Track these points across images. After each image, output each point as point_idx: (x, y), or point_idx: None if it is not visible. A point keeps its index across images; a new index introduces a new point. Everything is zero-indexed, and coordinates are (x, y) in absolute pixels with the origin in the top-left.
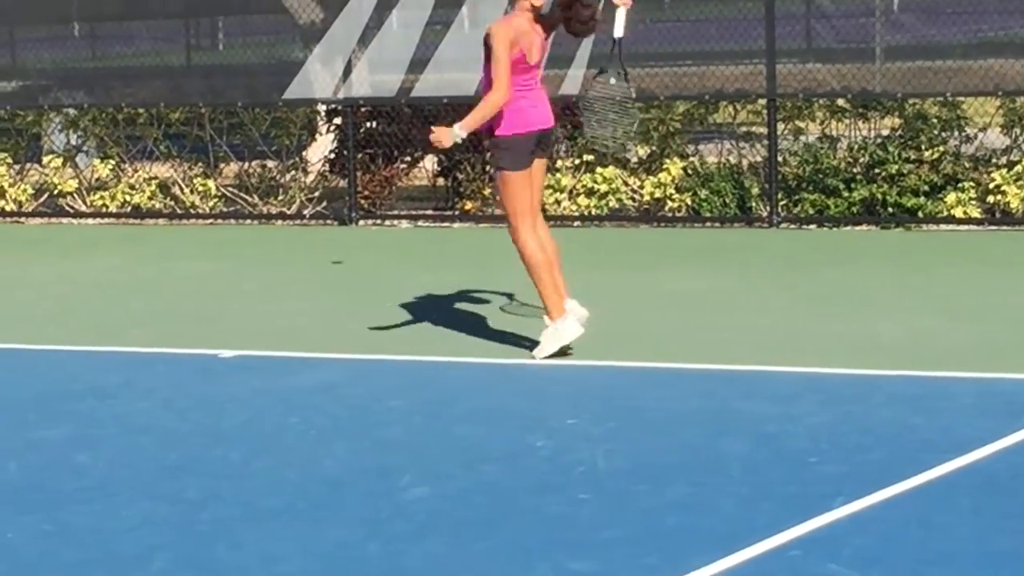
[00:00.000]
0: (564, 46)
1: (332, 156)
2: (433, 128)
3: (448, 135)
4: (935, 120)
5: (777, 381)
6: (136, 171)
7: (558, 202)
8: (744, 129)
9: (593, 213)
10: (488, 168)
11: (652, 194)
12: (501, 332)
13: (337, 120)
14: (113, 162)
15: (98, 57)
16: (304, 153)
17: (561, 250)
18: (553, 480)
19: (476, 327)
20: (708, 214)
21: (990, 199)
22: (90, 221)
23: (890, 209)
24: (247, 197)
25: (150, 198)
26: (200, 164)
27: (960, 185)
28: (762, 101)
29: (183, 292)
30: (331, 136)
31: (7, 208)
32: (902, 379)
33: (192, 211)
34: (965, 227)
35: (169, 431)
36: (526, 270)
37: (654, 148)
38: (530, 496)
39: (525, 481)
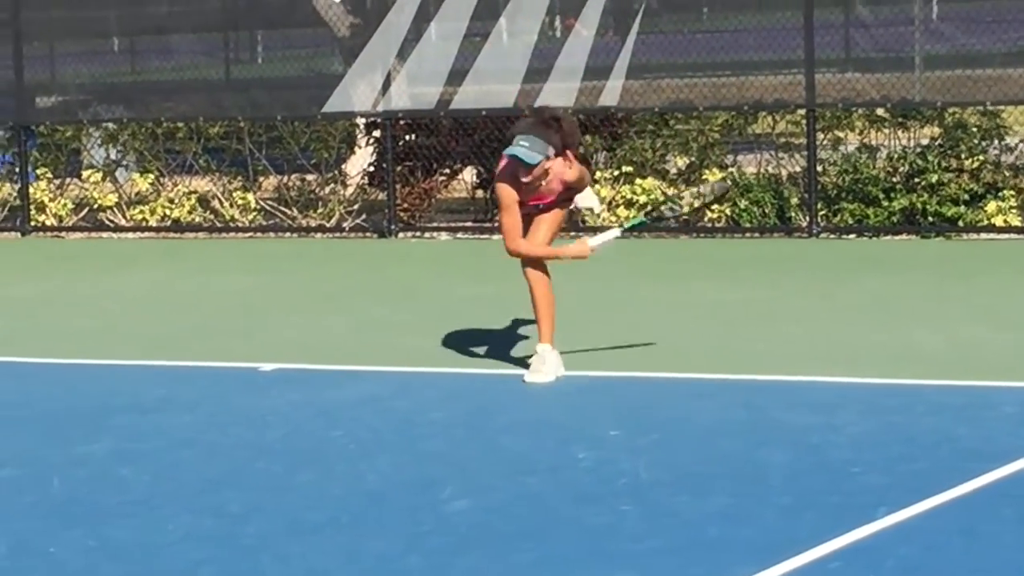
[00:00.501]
0: (603, 57)
1: (371, 169)
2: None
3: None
4: (975, 129)
5: (818, 391)
6: (175, 185)
7: (597, 213)
8: (783, 139)
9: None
10: None
11: (691, 204)
12: (536, 344)
13: (376, 133)
14: (152, 176)
15: (137, 71)
16: (343, 166)
17: (600, 261)
18: (595, 491)
19: (516, 339)
20: (748, 224)
21: None
22: (130, 235)
23: (930, 218)
24: (286, 210)
25: (190, 212)
26: (239, 178)
27: (1000, 194)
28: (801, 111)
29: (223, 306)
30: (370, 149)
31: (48, 223)
32: (944, 388)
33: (231, 224)
34: (1006, 236)
35: (211, 445)
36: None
37: (693, 159)
38: (572, 507)
39: (567, 492)
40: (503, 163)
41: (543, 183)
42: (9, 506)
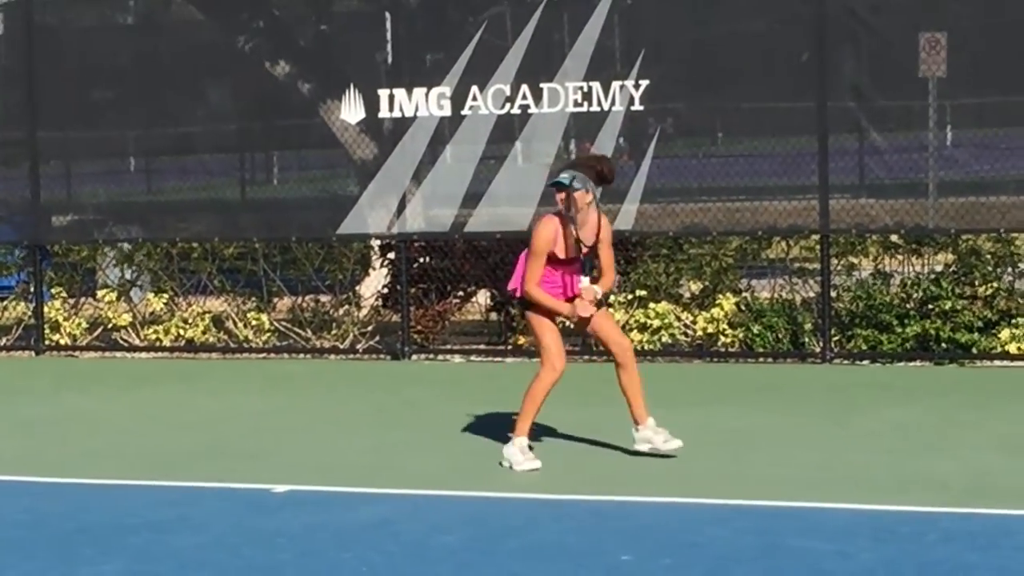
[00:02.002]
0: (617, 181)
1: (385, 290)
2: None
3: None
4: (988, 256)
5: (832, 518)
6: (190, 305)
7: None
8: (797, 264)
9: (646, 348)
10: None
11: (705, 329)
12: (554, 466)
13: (391, 255)
14: (167, 296)
15: (153, 191)
16: (357, 287)
17: (614, 385)
18: None
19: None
20: (761, 349)
21: None
22: (144, 355)
23: (944, 345)
24: (300, 331)
25: (204, 332)
26: (254, 298)
27: (1014, 321)
28: (815, 236)
29: (236, 426)
30: (384, 270)
31: (62, 342)
32: (958, 516)
33: (245, 345)
34: (1019, 363)
35: (223, 566)
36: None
37: (707, 283)
38: None
39: None
40: (543, 218)
41: (580, 214)
42: None
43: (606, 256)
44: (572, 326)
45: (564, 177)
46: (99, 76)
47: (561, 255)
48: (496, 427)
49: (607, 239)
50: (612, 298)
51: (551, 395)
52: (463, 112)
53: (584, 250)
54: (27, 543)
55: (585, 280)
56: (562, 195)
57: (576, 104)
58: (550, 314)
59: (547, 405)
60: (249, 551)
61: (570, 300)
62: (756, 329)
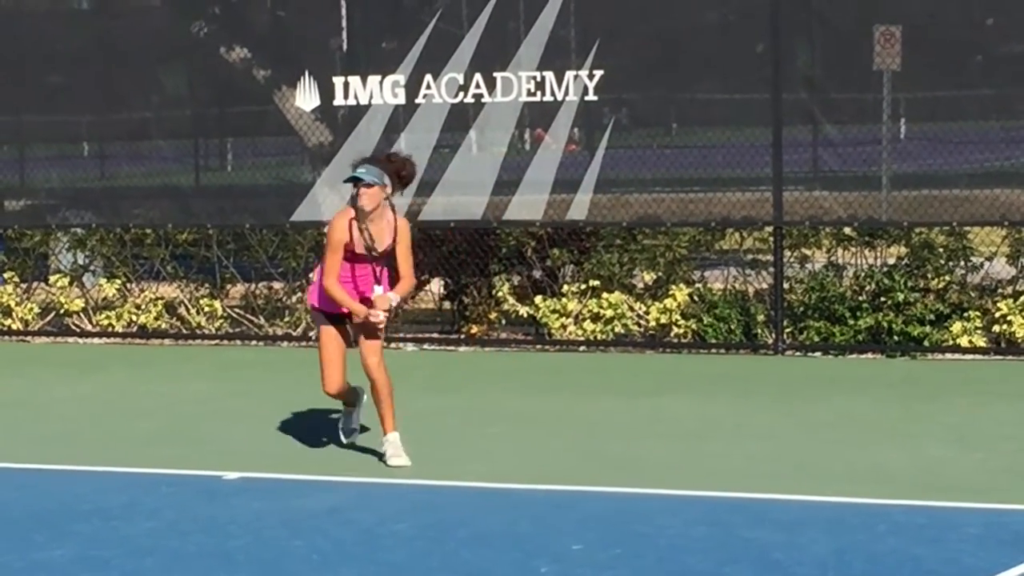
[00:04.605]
0: (571, 171)
1: None
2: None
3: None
4: (941, 249)
5: (783, 509)
6: (143, 291)
7: (564, 327)
8: (750, 256)
9: (599, 338)
10: (494, 292)
11: (658, 320)
12: (506, 456)
13: None
14: (120, 282)
15: (107, 177)
16: (311, 275)
17: (567, 375)
18: None
19: (480, 451)
20: (713, 340)
21: (996, 329)
22: (96, 340)
23: (896, 337)
24: (253, 318)
25: (156, 318)
26: (207, 285)
27: (966, 314)
28: (769, 228)
29: (188, 413)
30: None
31: (13, 327)
32: (908, 508)
33: (198, 332)
34: (970, 356)
35: (174, 553)
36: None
37: (660, 274)
38: None
39: None
40: (337, 212)
41: (375, 212)
42: None
43: (404, 260)
44: (351, 331)
45: (360, 172)
46: (53, 60)
47: (359, 250)
48: (449, 416)
49: (405, 242)
50: (565, 288)
51: (506, 383)
52: (417, 100)
53: (376, 253)
54: None
55: (379, 289)
56: (356, 189)
57: (530, 93)
58: (340, 324)
59: (498, 393)
60: (200, 538)
61: (363, 301)
62: (709, 320)
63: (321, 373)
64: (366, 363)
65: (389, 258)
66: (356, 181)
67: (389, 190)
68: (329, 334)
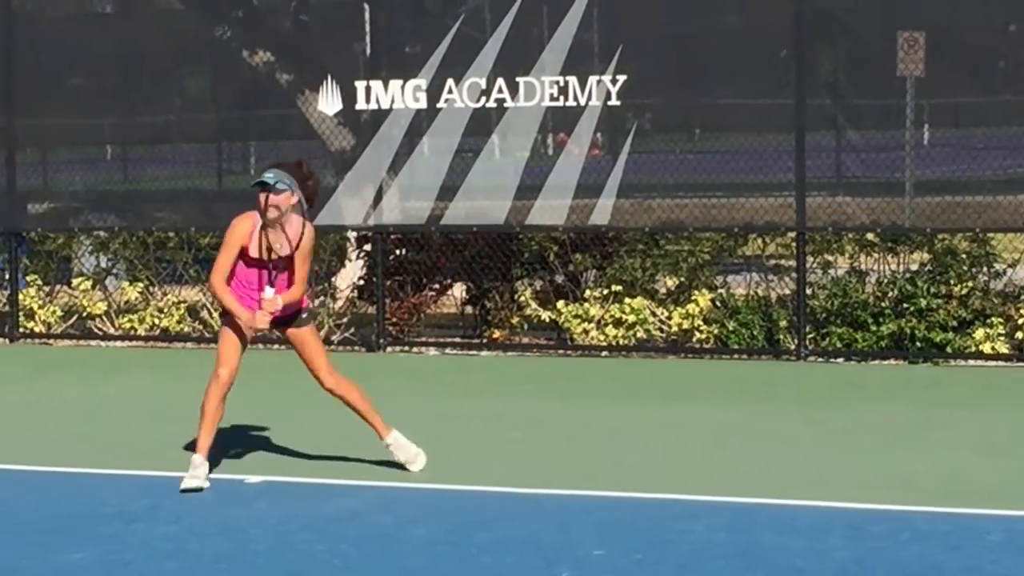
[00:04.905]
0: (594, 175)
1: (361, 282)
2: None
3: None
4: (964, 255)
5: (805, 515)
6: (165, 294)
7: (586, 332)
8: (773, 261)
9: (621, 343)
10: (516, 296)
11: (680, 325)
12: (527, 461)
13: (367, 247)
14: (142, 285)
15: (130, 180)
16: (333, 279)
17: (589, 380)
18: None
19: (501, 455)
20: (736, 346)
21: (1018, 335)
22: (118, 344)
23: (918, 344)
24: None
25: (178, 322)
26: None
27: (989, 321)
28: (791, 234)
29: None
30: (360, 262)
31: (36, 329)
32: (930, 515)
33: None
34: (993, 363)
35: (195, 556)
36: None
37: (683, 279)
38: None
39: None
40: (243, 214)
41: (282, 219)
42: None
43: (300, 268)
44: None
45: (269, 176)
46: (77, 64)
47: (253, 254)
48: (470, 420)
49: (305, 250)
50: (588, 292)
51: (528, 387)
52: (439, 105)
53: (275, 257)
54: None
55: (269, 291)
56: (264, 196)
57: (552, 98)
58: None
59: (520, 398)
60: (222, 542)
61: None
62: (731, 326)
63: (215, 360)
64: (324, 385)
65: (288, 264)
66: (264, 186)
67: (295, 199)
68: (232, 329)
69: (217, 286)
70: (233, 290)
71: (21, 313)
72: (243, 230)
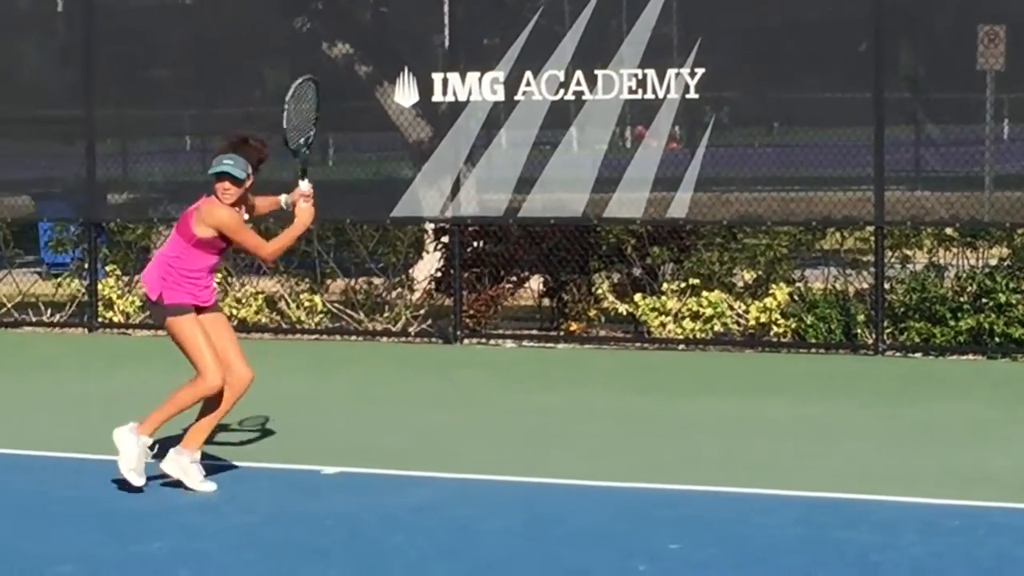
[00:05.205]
0: (672, 169)
1: (438, 274)
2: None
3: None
4: None
5: (880, 510)
6: (243, 285)
7: (663, 325)
8: (851, 256)
9: (698, 337)
10: (593, 289)
11: (758, 319)
12: (604, 454)
13: (444, 239)
14: (220, 276)
15: (208, 171)
16: (411, 271)
17: (666, 373)
18: None
19: (579, 448)
20: (813, 340)
21: None
22: None
23: (997, 339)
24: (353, 313)
25: (256, 312)
26: (307, 280)
27: None
28: (870, 228)
29: (287, 407)
30: (438, 254)
31: (115, 319)
32: (1009, 511)
33: (298, 326)
34: None
35: (272, 546)
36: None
37: (760, 273)
38: None
39: None
40: (200, 200)
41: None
42: None
43: (246, 237)
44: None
45: (230, 168)
46: (157, 55)
47: (220, 243)
48: (547, 413)
49: (230, 227)
50: (665, 286)
51: (605, 380)
52: (517, 97)
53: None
54: (77, 520)
55: (304, 184)
56: (226, 185)
57: (631, 91)
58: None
59: (597, 391)
60: (298, 532)
61: (199, 309)
62: (809, 320)
63: (204, 366)
64: (243, 373)
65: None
66: (237, 181)
67: (250, 182)
68: (191, 324)
69: (271, 245)
70: (179, 282)
71: (100, 303)
72: (235, 214)
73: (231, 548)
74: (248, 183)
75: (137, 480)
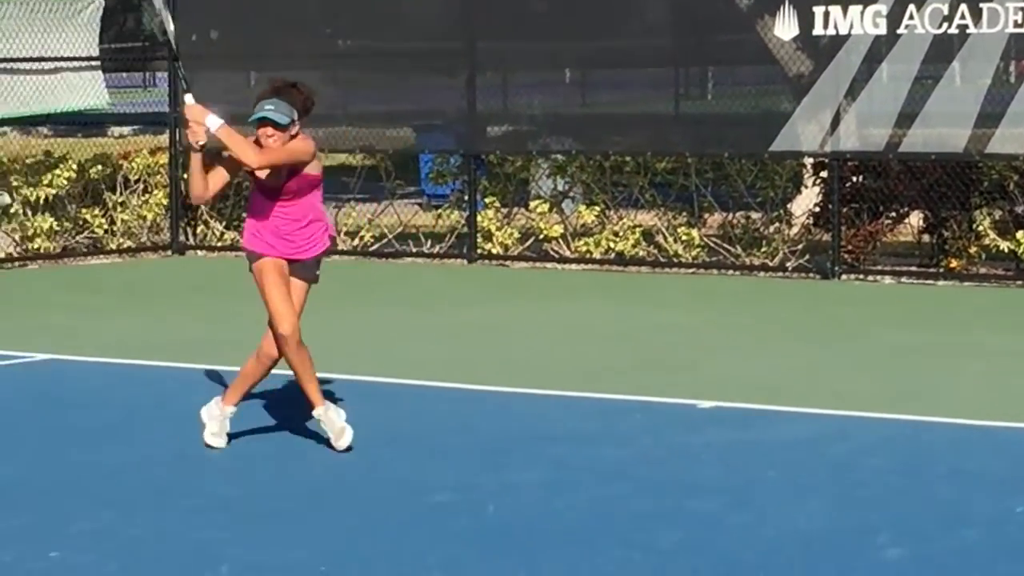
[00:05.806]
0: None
1: (817, 209)
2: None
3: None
4: None
5: None
6: (621, 218)
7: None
8: None
9: None
10: (974, 226)
11: None
12: (984, 393)
13: (823, 173)
14: (598, 209)
15: (587, 104)
16: (789, 205)
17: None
18: None
19: (958, 387)
20: None
21: None
22: (574, 267)
23: None
24: (730, 248)
25: (634, 246)
26: (684, 213)
27: None
28: None
29: (663, 341)
30: (816, 189)
31: (494, 251)
32: None
33: (675, 260)
34: None
35: (643, 479)
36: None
37: None
38: (1007, 564)
39: (1003, 548)
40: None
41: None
42: (444, 530)
43: (275, 151)
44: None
45: (271, 113)
46: None
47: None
48: (926, 350)
49: (290, 147)
50: None
51: (986, 318)
52: (899, 31)
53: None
54: (457, 449)
55: (189, 97)
56: (269, 131)
57: (1016, 25)
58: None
59: (977, 329)
60: (671, 465)
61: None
62: None
63: (275, 315)
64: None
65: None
66: (264, 121)
67: (296, 128)
68: (267, 271)
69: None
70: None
71: (479, 235)
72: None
73: (603, 480)
74: (294, 130)
75: (219, 441)
